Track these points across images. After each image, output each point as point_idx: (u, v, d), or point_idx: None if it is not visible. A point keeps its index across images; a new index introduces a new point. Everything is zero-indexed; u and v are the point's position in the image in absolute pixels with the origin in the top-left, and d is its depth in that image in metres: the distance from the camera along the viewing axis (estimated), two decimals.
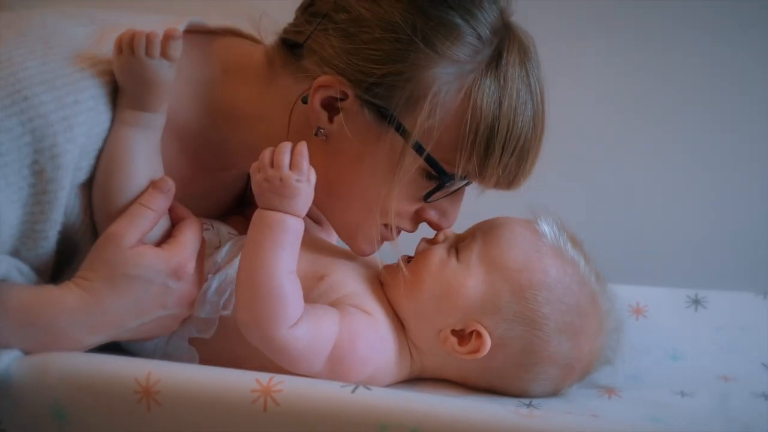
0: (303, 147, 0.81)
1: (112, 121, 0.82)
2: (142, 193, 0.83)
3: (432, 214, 0.91)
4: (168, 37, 0.81)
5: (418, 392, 0.82)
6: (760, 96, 1.33)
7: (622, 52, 1.35)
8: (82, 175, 0.82)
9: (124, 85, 0.82)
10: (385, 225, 0.90)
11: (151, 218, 0.82)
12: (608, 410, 0.88)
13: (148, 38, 0.80)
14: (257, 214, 0.81)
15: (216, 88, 0.91)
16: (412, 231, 0.92)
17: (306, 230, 1.01)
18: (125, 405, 0.73)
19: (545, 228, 0.90)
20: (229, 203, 1.06)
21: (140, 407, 0.73)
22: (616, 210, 1.37)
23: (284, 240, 0.80)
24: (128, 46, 0.80)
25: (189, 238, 0.84)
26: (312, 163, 0.82)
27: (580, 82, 1.36)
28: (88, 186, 0.83)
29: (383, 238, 0.92)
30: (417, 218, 0.91)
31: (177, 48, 0.82)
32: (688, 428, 0.86)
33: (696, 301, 1.08)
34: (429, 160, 0.84)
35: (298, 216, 0.81)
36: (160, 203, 0.83)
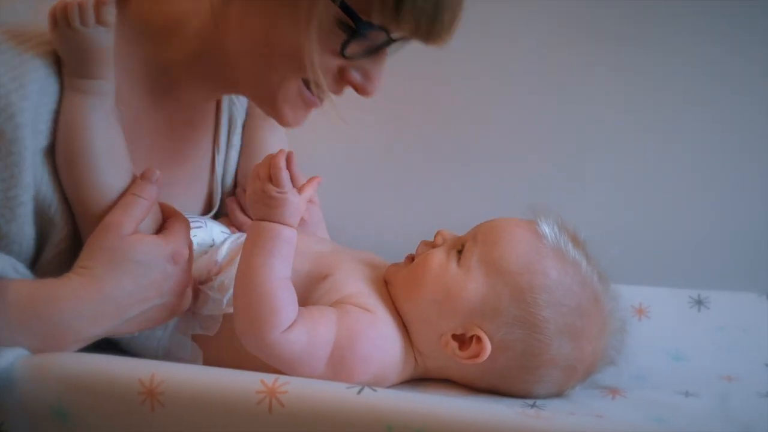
0: (278, 159, 0.82)
1: (62, 88, 0.84)
2: (132, 184, 0.85)
3: (355, 76, 0.90)
4: (100, 3, 0.82)
5: (424, 393, 0.81)
6: (761, 96, 1.33)
7: (623, 52, 1.34)
8: (43, 139, 0.83)
9: (65, 56, 0.83)
10: (308, 87, 0.90)
11: (144, 207, 0.84)
12: (612, 411, 0.88)
13: (80, 7, 0.81)
14: (250, 226, 0.84)
15: (147, 13, 0.92)
16: (336, 93, 0.92)
17: (311, 232, 1.02)
18: (128, 406, 0.73)
19: (546, 229, 0.89)
20: (200, 157, 1.06)
21: (143, 408, 0.72)
22: (618, 210, 1.37)
23: (273, 247, 0.82)
24: (62, 18, 0.81)
25: (180, 228, 0.87)
26: (232, 25, 0.86)
27: (581, 83, 1.36)
28: (51, 153, 0.84)
29: (307, 103, 0.92)
30: (340, 79, 0.90)
31: (110, 12, 0.83)
32: (691, 428, 0.86)
33: (699, 302, 1.08)
34: (343, 6, 0.83)
35: (285, 224, 0.82)
36: (150, 192, 0.85)
